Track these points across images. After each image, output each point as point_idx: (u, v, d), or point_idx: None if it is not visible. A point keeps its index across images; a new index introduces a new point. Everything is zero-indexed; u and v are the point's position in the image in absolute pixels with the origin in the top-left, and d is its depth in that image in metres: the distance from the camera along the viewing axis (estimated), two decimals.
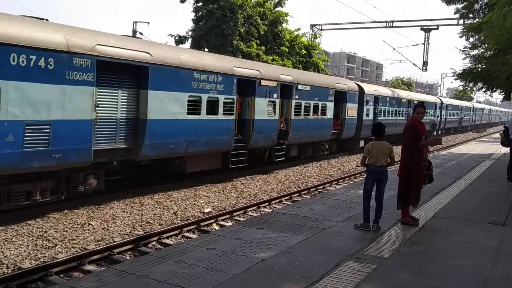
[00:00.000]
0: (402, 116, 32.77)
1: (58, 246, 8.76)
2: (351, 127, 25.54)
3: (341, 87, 24.17)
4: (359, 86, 26.98)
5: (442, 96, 61.92)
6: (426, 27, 39.28)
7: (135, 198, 12.65)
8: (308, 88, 20.35)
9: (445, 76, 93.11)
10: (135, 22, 29.80)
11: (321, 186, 16.12)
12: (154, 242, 9.36)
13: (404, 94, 36.45)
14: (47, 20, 11.13)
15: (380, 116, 28.96)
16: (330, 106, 22.69)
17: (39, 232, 9.43)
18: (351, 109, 25.19)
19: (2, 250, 8.34)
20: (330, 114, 22.71)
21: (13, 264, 7.78)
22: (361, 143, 26.16)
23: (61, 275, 7.52)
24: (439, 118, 43.96)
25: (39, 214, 10.51)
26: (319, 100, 21.53)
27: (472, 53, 19.68)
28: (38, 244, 8.75)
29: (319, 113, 21.65)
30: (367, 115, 27.34)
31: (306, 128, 20.44)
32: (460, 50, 21.71)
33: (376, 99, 28.85)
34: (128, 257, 8.53)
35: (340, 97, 24.12)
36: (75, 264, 7.83)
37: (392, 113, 31.42)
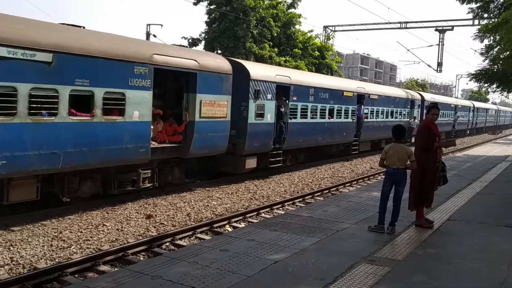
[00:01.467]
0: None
1: (73, 246, 8.85)
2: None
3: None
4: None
5: (457, 98, 62.52)
6: (441, 28, 38.97)
7: (148, 199, 12.73)
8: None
9: (460, 77, 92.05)
10: (149, 25, 30.03)
11: (335, 188, 16.06)
12: (167, 243, 9.41)
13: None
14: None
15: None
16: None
17: (55, 232, 9.53)
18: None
19: (18, 250, 8.45)
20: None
21: (29, 264, 7.88)
22: None
23: (76, 276, 7.59)
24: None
25: (54, 215, 10.63)
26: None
27: (488, 54, 19.48)
28: (54, 245, 8.85)
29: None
30: None
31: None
32: (475, 51, 21.52)
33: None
34: (142, 258, 8.59)
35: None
36: (89, 265, 7.90)
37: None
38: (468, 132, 50.88)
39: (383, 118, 27.23)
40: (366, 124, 24.74)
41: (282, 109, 17.58)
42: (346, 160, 23.88)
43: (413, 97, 32.53)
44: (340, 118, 22.11)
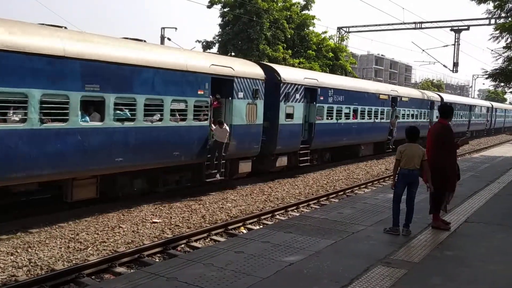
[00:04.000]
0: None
1: (89, 248, 8.94)
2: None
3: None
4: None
5: (474, 98, 62.13)
6: (456, 28, 38.59)
7: (164, 201, 12.80)
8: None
9: (476, 77, 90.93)
10: (163, 28, 30.24)
11: (350, 190, 15.97)
12: (183, 245, 9.45)
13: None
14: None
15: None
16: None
17: (72, 234, 9.64)
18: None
19: (37, 252, 8.56)
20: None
21: (46, 266, 7.98)
22: None
23: (93, 277, 7.67)
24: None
25: (71, 217, 10.75)
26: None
27: (504, 53, 19.20)
28: (71, 246, 8.95)
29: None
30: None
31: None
32: (491, 50, 21.23)
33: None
34: (157, 260, 8.64)
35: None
36: (106, 266, 7.98)
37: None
38: (485, 132, 51.28)
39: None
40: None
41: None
42: (361, 161, 23.76)
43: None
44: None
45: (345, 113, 21.15)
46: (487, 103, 53.00)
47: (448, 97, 37.59)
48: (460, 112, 38.15)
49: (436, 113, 28.56)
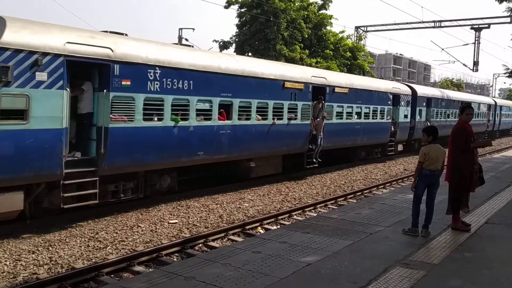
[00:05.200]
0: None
1: (108, 247, 9.05)
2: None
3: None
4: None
5: (494, 97, 59.33)
6: (477, 26, 38.04)
7: (181, 201, 12.88)
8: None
9: (497, 76, 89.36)
10: (181, 29, 30.42)
11: (368, 190, 15.86)
12: (200, 245, 9.50)
13: (488, 99, 45.12)
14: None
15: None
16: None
17: (91, 233, 9.77)
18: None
19: (57, 250, 8.70)
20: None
21: (67, 264, 8.10)
22: None
23: (112, 276, 7.76)
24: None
25: (90, 216, 10.90)
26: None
27: None
28: (90, 245, 9.07)
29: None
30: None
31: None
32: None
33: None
34: (175, 259, 8.70)
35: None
36: (125, 265, 8.06)
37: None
38: (487, 135, 41.63)
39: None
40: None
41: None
42: (380, 161, 23.56)
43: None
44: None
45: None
46: (488, 100, 43.79)
47: (424, 90, 29.58)
48: (439, 110, 30.16)
49: (404, 110, 25.17)
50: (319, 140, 17.83)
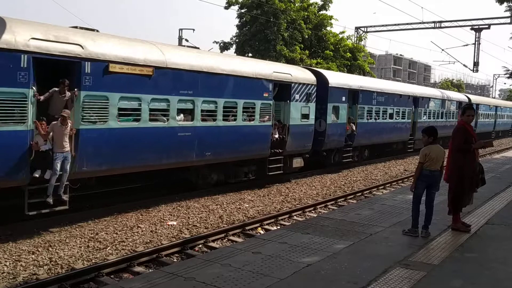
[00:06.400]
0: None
1: (108, 247, 9.04)
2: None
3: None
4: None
5: (494, 98, 59.05)
6: (477, 27, 38.06)
7: (181, 201, 12.88)
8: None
9: (497, 77, 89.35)
10: (181, 29, 30.45)
11: (368, 191, 15.85)
12: (200, 245, 9.49)
13: (461, 96, 40.80)
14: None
15: None
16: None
17: (91, 234, 9.76)
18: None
19: (57, 251, 8.69)
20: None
21: (67, 265, 8.09)
22: None
23: (112, 276, 7.75)
24: None
25: (90, 216, 10.89)
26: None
27: None
28: (90, 246, 9.07)
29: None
30: None
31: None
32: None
33: None
34: (175, 260, 8.69)
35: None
36: (124, 266, 8.06)
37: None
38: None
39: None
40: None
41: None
42: (380, 162, 23.56)
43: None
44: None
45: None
46: (460, 96, 36.19)
47: (344, 80, 20.75)
48: (376, 109, 22.49)
49: (302, 108, 16.94)
50: None
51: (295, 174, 17.68)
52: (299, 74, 17.01)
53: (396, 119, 24.52)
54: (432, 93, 30.72)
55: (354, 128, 20.55)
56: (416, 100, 26.94)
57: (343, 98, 19.53)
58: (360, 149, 22.27)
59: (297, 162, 17.07)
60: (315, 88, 17.50)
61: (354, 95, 20.66)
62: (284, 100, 16.21)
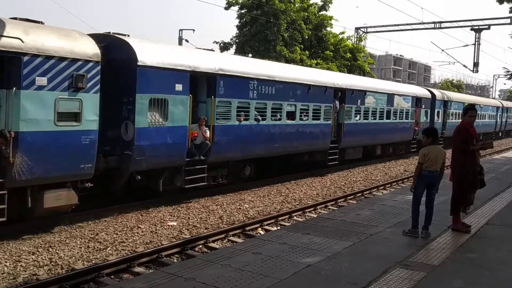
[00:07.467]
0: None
1: (108, 248, 9.04)
2: None
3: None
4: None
5: (494, 98, 58.91)
6: (477, 27, 38.06)
7: (181, 202, 12.88)
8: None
9: (497, 77, 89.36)
10: (181, 30, 30.46)
11: (368, 191, 15.85)
12: (200, 246, 9.49)
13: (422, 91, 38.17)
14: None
15: None
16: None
17: (91, 234, 9.76)
18: None
19: (57, 251, 8.69)
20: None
21: (67, 265, 8.09)
22: None
23: (112, 277, 7.75)
24: None
25: (90, 217, 10.89)
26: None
27: None
28: (90, 246, 9.06)
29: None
30: None
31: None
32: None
33: None
34: (175, 260, 8.69)
35: None
36: (125, 266, 8.05)
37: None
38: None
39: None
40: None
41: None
42: (380, 162, 23.56)
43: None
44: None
45: None
46: (422, 92, 28.47)
47: (169, 55, 12.35)
48: (272, 105, 15.67)
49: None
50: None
51: (295, 174, 17.68)
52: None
53: (304, 119, 17.15)
54: (370, 85, 22.77)
55: (207, 134, 13.09)
56: (342, 94, 19.63)
57: (180, 87, 12.11)
58: (222, 168, 14.42)
59: (52, 199, 9.67)
60: (97, 68, 10.07)
61: (209, 84, 13.31)
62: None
